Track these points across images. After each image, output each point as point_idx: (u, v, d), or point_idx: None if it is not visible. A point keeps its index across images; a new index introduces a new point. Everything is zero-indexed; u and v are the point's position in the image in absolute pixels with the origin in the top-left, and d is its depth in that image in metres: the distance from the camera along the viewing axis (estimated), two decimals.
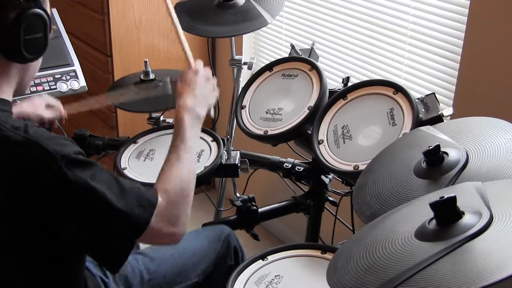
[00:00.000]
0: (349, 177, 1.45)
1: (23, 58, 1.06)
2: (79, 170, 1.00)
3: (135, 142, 1.74)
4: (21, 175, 0.98)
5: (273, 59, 1.85)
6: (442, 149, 1.04)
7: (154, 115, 1.94)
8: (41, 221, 1.01)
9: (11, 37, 1.02)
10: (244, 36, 2.54)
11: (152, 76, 1.89)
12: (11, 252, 1.05)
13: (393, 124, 1.41)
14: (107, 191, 1.02)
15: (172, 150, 1.25)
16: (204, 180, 1.61)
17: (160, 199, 1.11)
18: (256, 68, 2.01)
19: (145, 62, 1.87)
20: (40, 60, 1.13)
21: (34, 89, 1.67)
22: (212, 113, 1.41)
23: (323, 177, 1.69)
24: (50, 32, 1.09)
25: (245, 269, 1.35)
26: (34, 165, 0.98)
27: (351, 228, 1.70)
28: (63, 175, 0.98)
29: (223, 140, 1.67)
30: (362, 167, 1.37)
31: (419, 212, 0.89)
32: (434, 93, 1.41)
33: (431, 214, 0.82)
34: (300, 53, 1.77)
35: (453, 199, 0.80)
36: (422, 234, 0.82)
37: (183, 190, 1.17)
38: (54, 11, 1.72)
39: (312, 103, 1.58)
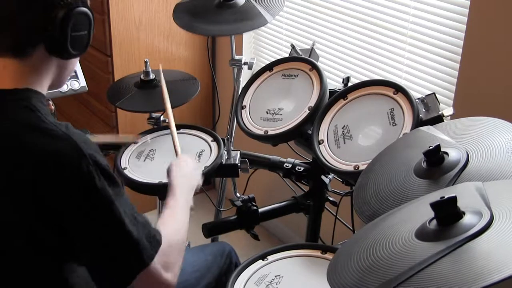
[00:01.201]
0: (349, 177, 1.45)
1: (68, 54, 1.09)
2: (107, 182, 1.01)
3: (135, 142, 1.74)
4: (52, 168, 0.98)
5: (273, 59, 1.84)
6: (442, 149, 1.04)
7: (154, 115, 1.94)
8: (56, 216, 1.00)
9: (59, 34, 1.04)
10: (244, 36, 2.54)
11: (152, 76, 1.89)
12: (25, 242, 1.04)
13: (394, 124, 1.41)
14: (124, 214, 1.03)
15: (166, 207, 1.27)
16: (204, 180, 1.61)
17: (163, 239, 1.10)
18: (256, 68, 2.01)
19: (145, 62, 1.87)
20: (78, 57, 1.15)
21: None
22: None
23: (323, 177, 1.69)
24: (94, 30, 1.13)
25: (245, 269, 1.35)
26: (67, 162, 0.98)
27: (351, 228, 1.70)
28: (92, 180, 0.99)
29: (223, 140, 1.67)
30: (362, 167, 1.37)
31: (419, 212, 0.89)
32: (434, 93, 1.41)
33: (431, 214, 0.82)
34: (300, 53, 1.77)
35: (453, 199, 0.80)
36: (423, 234, 0.82)
37: (180, 241, 1.19)
38: None
39: (312, 103, 1.58)
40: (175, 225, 1.21)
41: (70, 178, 0.99)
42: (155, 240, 1.08)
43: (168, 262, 1.10)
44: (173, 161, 1.45)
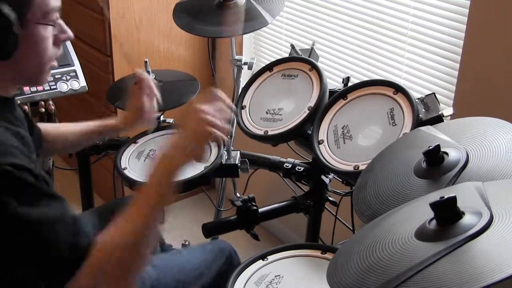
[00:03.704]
0: (349, 177, 1.45)
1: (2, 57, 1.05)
2: (8, 194, 0.96)
3: (135, 142, 1.74)
4: None
5: (273, 59, 1.84)
6: (442, 149, 1.04)
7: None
8: None
9: None
10: (244, 36, 2.54)
11: (152, 76, 1.89)
12: None
13: (393, 124, 1.41)
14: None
15: (125, 216, 1.07)
16: (204, 180, 1.61)
17: (97, 250, 1.01)
18: (256, 68, 2.01)
19: (145, 62, 1.87)
20: (35, 51, 1.10)
21: (34, 89, 1.67)
22: (205, 158, 1.21)
23: (323, 177, 1.69)
24: (17, 27, 1.06)
25: (245, 269, 1.35)
26: None
27: (351, 228, 1.70)
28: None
29: (223, 140, 1.67)
30: (362, 167, 1.37)
31: (419, 212, 0.89)
32: (434, 93, 1.41)
33: (431, 214, 0.82)
34: (300, 53, 1.77)
35: (453, 199, 0.80)
36: (422, 234, 0.82)
37: (124, 257, 1.03)
38: None
39: (312, 103, 1.58)
40: (124, 236, 1.05)
41: None
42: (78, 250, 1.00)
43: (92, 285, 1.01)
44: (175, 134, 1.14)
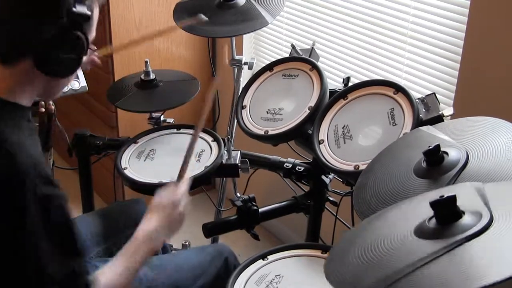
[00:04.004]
0: (350, 177, 1.45)
1: (53, 73, 1.07)
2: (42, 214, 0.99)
3: (135, 142, 1.74)
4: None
5: (273, 59, 1.84)
6: (442, 149, 1.05)
7: (154, 115, 1.94)
8: None
9: (48, 52, 1.03)
10: (244, 36, 2.54)
11: (152, 76, 1.89)
12: None
13: (394, 124, 1.41)
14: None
15: (122, 252, 1.18)
16: (205, 180, 1.61)
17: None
18: (256, 68, 2.01)
19: (146, 62, 1.87)
20: (69, 78, 1.14)
21: None
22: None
23: (323, 177, 1.69)
24: (86, 54, 1.10)
25: (245, 269, 1.35)
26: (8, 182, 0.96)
27: (351, 228, 1.70)
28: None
29: (223, 140, 1.67)
30: (362, 167, 1.37)
31: (419, 210, 0.89)
32: (434, 93, 1.41)
33: (430, 212, 0.82)
34: (301, 53, 1.77)
35: (453, 198, 0.80)
36: (422, 232, 0.82)
37: None
38: None
39: (312, 103, 1.58)
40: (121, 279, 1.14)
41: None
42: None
43: None
44: (162, 192, 1.27)
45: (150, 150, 1.70)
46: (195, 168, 1.56)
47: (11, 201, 0.96)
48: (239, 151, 1.68)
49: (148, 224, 1.22)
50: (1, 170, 0.97)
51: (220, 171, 1.62)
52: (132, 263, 1.16)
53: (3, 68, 1.05)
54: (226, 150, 1.65)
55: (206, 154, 1.64)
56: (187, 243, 2.05)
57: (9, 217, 0.96)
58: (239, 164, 1.65)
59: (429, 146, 1.04)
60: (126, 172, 1.61)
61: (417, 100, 1.41)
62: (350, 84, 1.61)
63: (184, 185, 1.29)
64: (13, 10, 1.03)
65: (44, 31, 1.02)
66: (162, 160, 1.65)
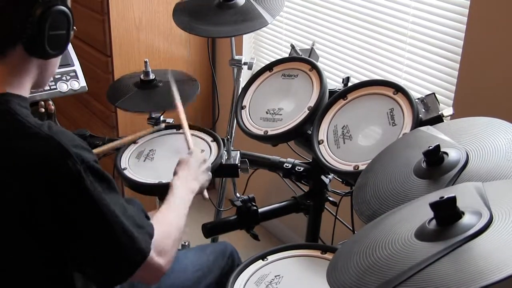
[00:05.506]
0: (349, 177, 1.45)
1: (46, 54, 1.08)
2: (96, 180, 1.01)
3: (135, 142, 1.74)
4: (38, 171, 0.97)
5: (273, 59, 1.85)
6: (442, 149, 1.04)
7: (154, 115, 1.94)
8: (46, 220, 1.00)
9: (36, 33, 1.04)
10: (244, 36, 2.54)
11: (152, 76, 1.89)
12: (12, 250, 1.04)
13: (393, 124, 1.41)
14: (117, 210, 1.04)
15: (164, 202, 1.30)
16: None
17: (156, 231, 1.13)
18: (256, 68, 2.01)
19: (145, 62, 1.87)
20: (59, 58, 1.15)
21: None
22: (205, 194, 1.46)
23: (323, 177, 1.69)
24: (73, 30, 1.12)
25: (245, 269, 1.35)
26: (53, 164, 0.98)
27: (351, 228, 1.70)
28: (81, 180, 0.99)
29: (223, 140, 1.67)
30: (362, 167, 1.37)
31: (419, 212, 0.89)
32: (434, 93, 1.41)
33: (431, 214, 0.82)
34: (300, 53, 1.77)
35: (453, 199, 0.80)
36: (422, 234, 0.82)
37: (173, 231, 1.21)
38: None
39: (312, 103, 1.58)
40: (170, 217, 1.24)
41: (59, 180, 0.98)
42: (147, 233, 1.10)
43: (161, 250, 1.13)
44: (183, 157, 1.45)
45: (150, 151, 1.70)
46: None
47: (66, 177, 0.98)
48: (238, 151, 1.68)
49: (180, 175, 1.39)
50: (45, 150, 0.98)
51: (220, 171, 1.62)
52: (179, 208, 1.28)
53: (0, 64, 1.05)
54: (225, 150, 1.65)
55: (206, 154, 1.64)
56: (186, 243, 2.05)
57: (73, 193, 0.99)
58: (239, 164, 1.65)
59: (429, 147, 1.04)
60: (126, 172, 1.60)
61: (416, 100, 1.41)
62: (349, 84, 1.61)
63: (197, 150, 1.51)
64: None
65: (28, 14, 1.03)
66: (161, 160, 1.65)
